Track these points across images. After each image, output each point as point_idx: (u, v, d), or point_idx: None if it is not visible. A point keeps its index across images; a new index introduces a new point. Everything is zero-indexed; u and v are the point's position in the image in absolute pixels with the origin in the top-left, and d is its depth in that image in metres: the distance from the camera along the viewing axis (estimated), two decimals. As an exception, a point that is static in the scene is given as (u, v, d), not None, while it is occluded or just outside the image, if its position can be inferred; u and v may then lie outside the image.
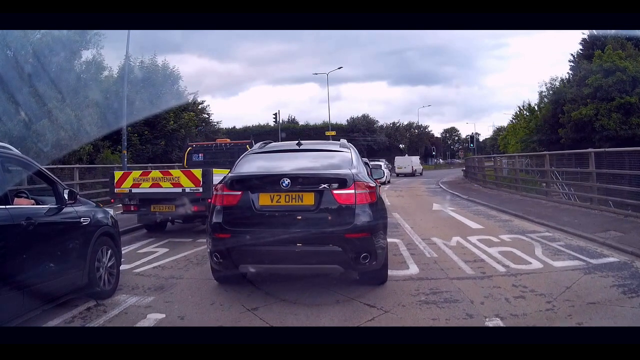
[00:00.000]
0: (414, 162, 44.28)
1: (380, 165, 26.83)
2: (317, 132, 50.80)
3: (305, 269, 4.84)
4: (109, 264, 5.11)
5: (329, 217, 4.54)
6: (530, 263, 6.08)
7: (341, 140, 6.21)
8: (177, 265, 6.51)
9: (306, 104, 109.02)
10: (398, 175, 41.37)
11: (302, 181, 4.66)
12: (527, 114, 38.66)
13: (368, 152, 54.54)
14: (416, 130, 71.19)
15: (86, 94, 18.95)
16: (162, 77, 23.82)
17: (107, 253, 5.10)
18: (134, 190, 8.57)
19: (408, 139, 69.61)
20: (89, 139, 17.95)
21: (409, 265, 6.19)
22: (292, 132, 49.41)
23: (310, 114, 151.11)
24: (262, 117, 69.50)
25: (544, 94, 32.44)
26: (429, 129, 79.34)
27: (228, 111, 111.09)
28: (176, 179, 8.40)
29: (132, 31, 17.53)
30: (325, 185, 4.57)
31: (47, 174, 4.60)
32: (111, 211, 5.57)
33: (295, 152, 5.55)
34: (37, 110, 16.18)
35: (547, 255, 6.50)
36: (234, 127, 57.36)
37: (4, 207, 3.76)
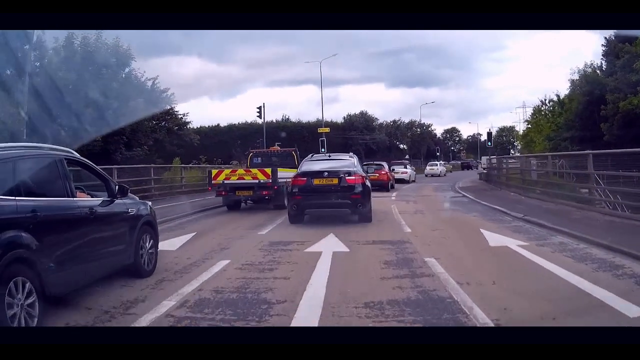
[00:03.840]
0: (484, 161, 53.54)
1: (437, 164, 42.92)
2: (310, 129, 46.57)
3: (334, 210, 10.71)
4: (150, 249, 6.00)
5: (344, 188, 10.19)
6: None
7: (349, 152, 12.78)
8: None
9: (304, 105, 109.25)
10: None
11: (332, 173, 10.46)
12: (551, 108, 34.00)
13: (367, 152, 50.12)
14: (418, 130, 65.60)
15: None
16: (109, 56, 18.57)
17: (148, 239, 5.99)
18: (226, 182, 13.33)
19: (410, 138, 64.38)
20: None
21: None
22: (287, 130, 46.90)
23: (308, 116, 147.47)
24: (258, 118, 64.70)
25: (576, 82, 27.45)
26: (432, 127, 74.30)
27: (225, 113, 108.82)
28: (255, 174, 13.17)
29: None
30: (342, 175, 10.32)
31: (101, 172, 5.47)
32: (149, 203, 6.40)
33: (327, 159, 11.82)
34: None
35: None
36: (218, 124, 55.77)
37: (72, 199, 4.63)
